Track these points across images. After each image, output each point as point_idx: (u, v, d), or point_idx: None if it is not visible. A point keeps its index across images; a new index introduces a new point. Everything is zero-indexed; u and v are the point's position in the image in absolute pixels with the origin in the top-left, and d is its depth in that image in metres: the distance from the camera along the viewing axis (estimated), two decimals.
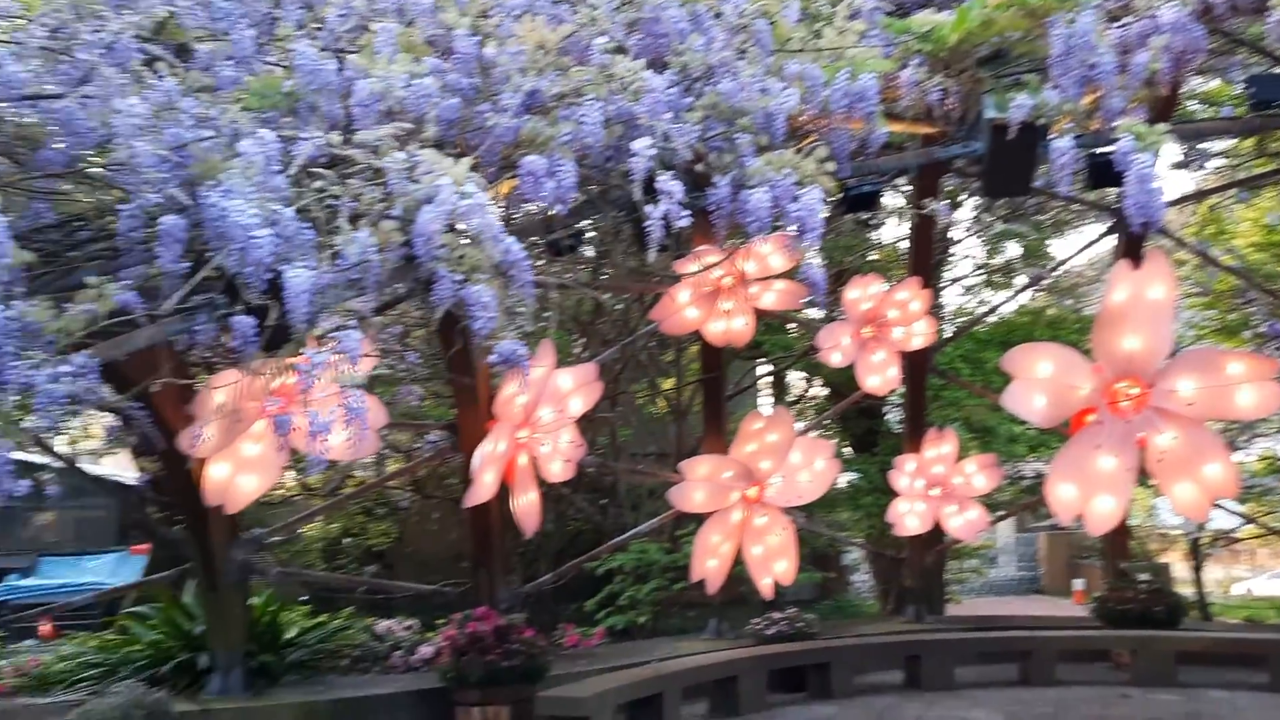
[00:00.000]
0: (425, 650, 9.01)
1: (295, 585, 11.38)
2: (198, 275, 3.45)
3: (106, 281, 3.24)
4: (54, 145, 4.19)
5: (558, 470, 8.76)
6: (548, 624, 9.94)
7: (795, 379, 16.27)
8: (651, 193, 3.74)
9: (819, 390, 15.79)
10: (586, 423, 11.40)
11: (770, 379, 16.04)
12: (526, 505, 8.55)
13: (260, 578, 8.69)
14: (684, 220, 3.75)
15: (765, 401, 16.15)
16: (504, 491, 8.61)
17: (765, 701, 9.05)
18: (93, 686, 8.11)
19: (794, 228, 4.14)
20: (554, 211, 4.01)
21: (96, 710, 7.09)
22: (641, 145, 3.77)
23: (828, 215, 10.63)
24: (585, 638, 10.20)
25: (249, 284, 3.22)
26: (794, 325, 13.14)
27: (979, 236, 14.69)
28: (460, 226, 3.41)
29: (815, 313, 12.94)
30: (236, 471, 7.41)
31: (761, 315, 10.53)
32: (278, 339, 3.65)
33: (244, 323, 3.54)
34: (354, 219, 3.51)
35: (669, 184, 3.74)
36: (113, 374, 5.65)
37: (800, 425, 11.61)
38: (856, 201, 6.73)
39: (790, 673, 9.56)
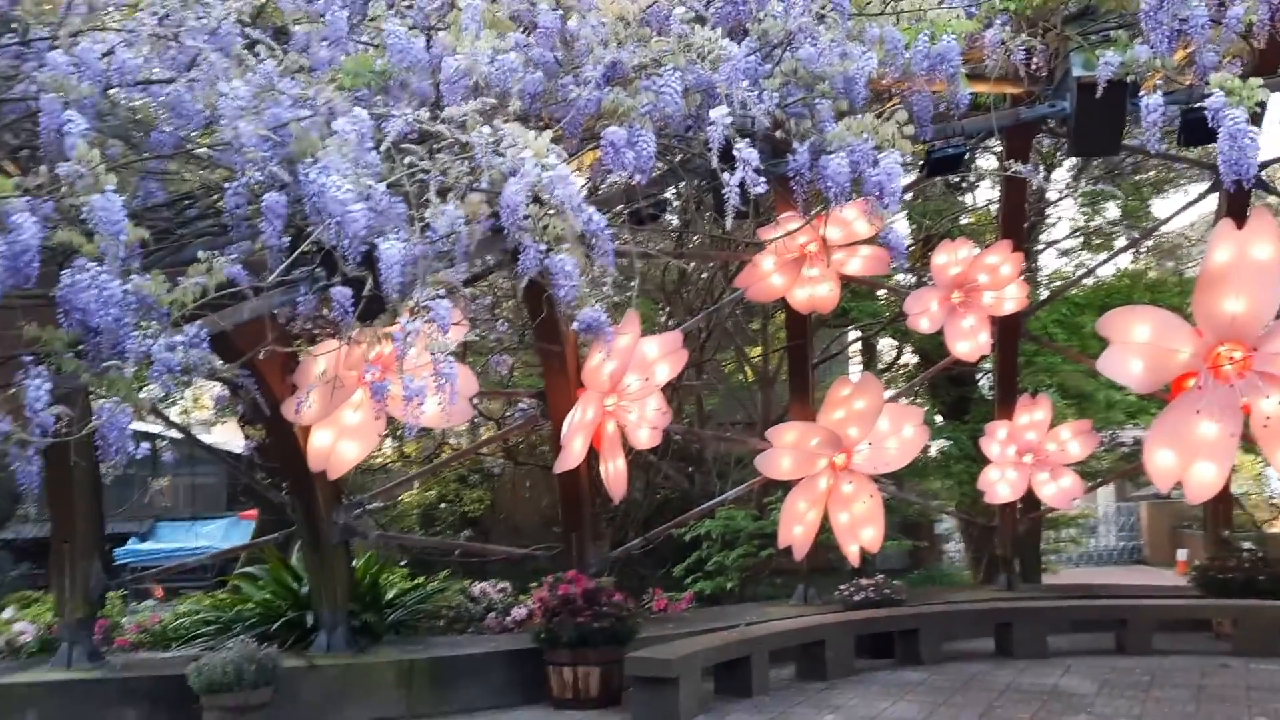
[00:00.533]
0: (518, 612, 9.28)
1: (395, 549, 11.74)
2: (298, 249, 3.63)
3: (216, 255, 3.45)
4: (164, 128, 4.41)
5: (644, 438, 8.90)
6: (636, 588, 10.12)
7: (885, 346, 16.12)
8: (729, 161, 3.80)
9: (909, 357, 15.63)
10: (673, 391, 11.53)
11: (859, 346, 15.93)
12: (614, 472, 8.71)
13: (361, 540, 9.04)
14: (761, 187, 3.81)
15: (854, 368, 16.05)
16: (593, 458, 8.79)
17: (853, 666, 9.10)
18: (208, 642, 8.57)
19: (874, 193, 4.15)
20: (635, 181, 4.10)
21: (212, 664, 7.51)
22: (718, 114, 3.82)
23: (915, 180, 10.53)
24: (673, 602, 10.37)
25: (345, 256, 3.40)
26: (883, 291, 13.03)
27: (1075, 198, 14.31)
28: (544, 198, 3.52)
29: (905, 279, 12.80)
30: (338, 439, 7.71)
31: (848, 281, 10.48)
32: (373, 309, 3.82)
33: (341, 294, 3.73)
34: (443, 193, 3.65)
35: (745, 152, 3.79)
36: (221, 344, 5.94)
37: (890, 392, 11.54)
38: (940, 164, 6.64)
39: (878, 639, 9.59)
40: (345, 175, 3.37)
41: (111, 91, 4.49)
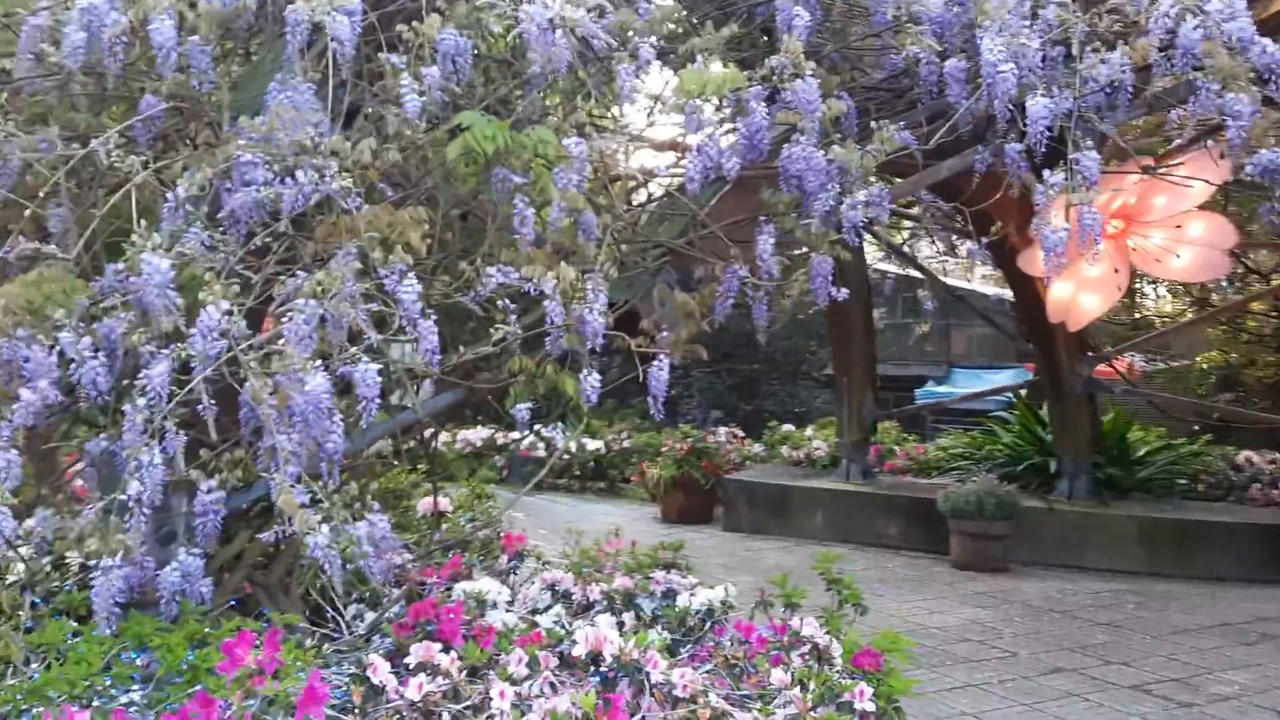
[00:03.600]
0: None
1: (1186, 414, 11.10)
2: (959, 110, 3.95)
3: (887, 124, 3.95)
4: (879, 9, 4.97)
5: None
6: None
7: None
8: None
9: None
10: None
11: None
12: None
13: (1107, 394, 9.01)
14: None
15: None
16: None
17: None
18: (960, 475, 9.43)
19: None
20: None
21: (958, 493, 8.35)
22: None
23: None
24: None
25: (997, 115, 3.62)
26: None
27: None
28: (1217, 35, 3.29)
29: None
30: (1078, 290, 7.76)
31: None
32: (1049, 163, 3.97)
33: (1012, 149, 3.96)
34: (1109, 43, 3.61)
35: None
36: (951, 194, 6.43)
37: None
38: None
39: None
40: (999, 36, 3.57)
41: None
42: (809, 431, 11.40)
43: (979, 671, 5.78)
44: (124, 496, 3.07)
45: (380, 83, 4.09)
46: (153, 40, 3.62)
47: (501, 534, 6.21)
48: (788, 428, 11.70)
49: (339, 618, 4.70)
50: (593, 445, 12.16)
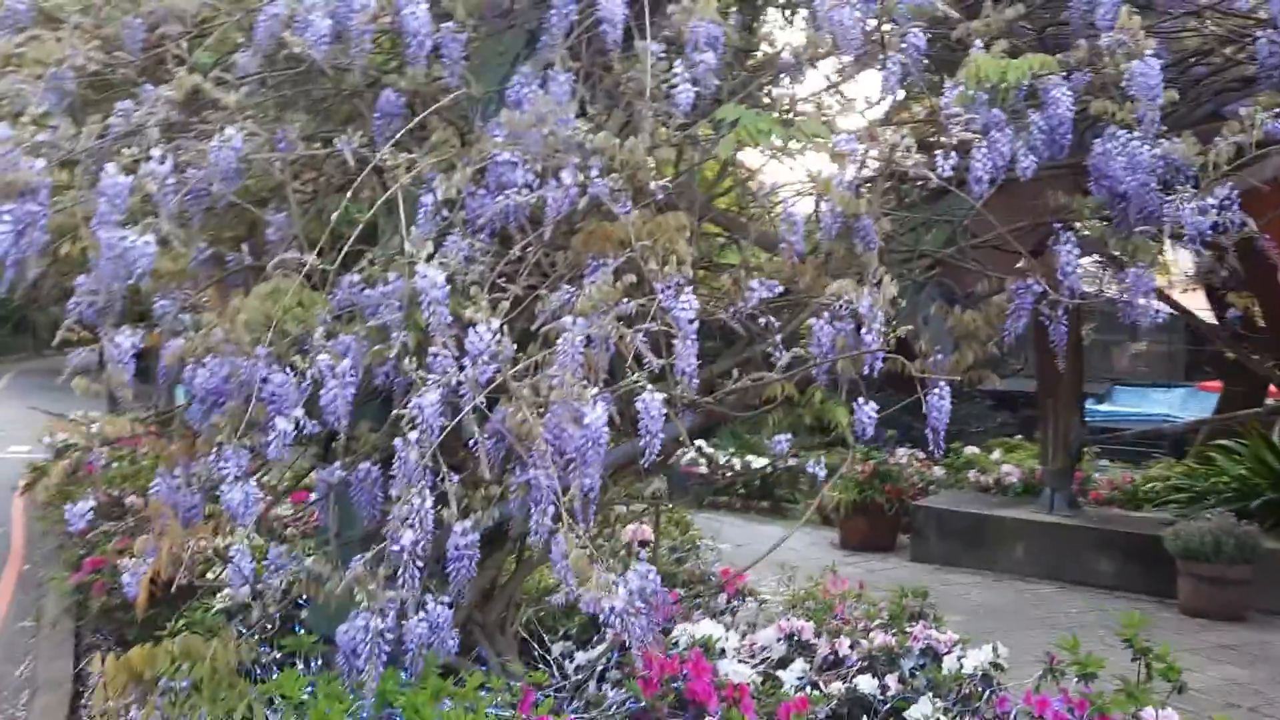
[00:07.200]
0: None
1: None
2: None
3: (1258, 110, 3.30)
4: None
5: None
6: None
7: None
8: None
9: None
10: None
11: None
12: None
13: None
14: None
15: None
16: None
17: None
18: (1180, 509, 8.54)
19: None
20: None
21: (1190, 531, 7.53)
22: None
23: None
24: None
25: None
26: None
27: None
28: None
29: None
30: None
31: None
32: None
33: None
34: None
35: None
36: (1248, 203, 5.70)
37: None
38: None
39: None
40: None
41: None
42: (996, 455, 10.62)
43: None
44: (396, 548, 2.66)
45: (621, 71, 3.59)
46: (405, 26, 3.24)
47: (719, 569, 5.71)
48: (971, 450, 10.92)
49: (546, 654, 4.30)
50: (758, 463, 11.60)
